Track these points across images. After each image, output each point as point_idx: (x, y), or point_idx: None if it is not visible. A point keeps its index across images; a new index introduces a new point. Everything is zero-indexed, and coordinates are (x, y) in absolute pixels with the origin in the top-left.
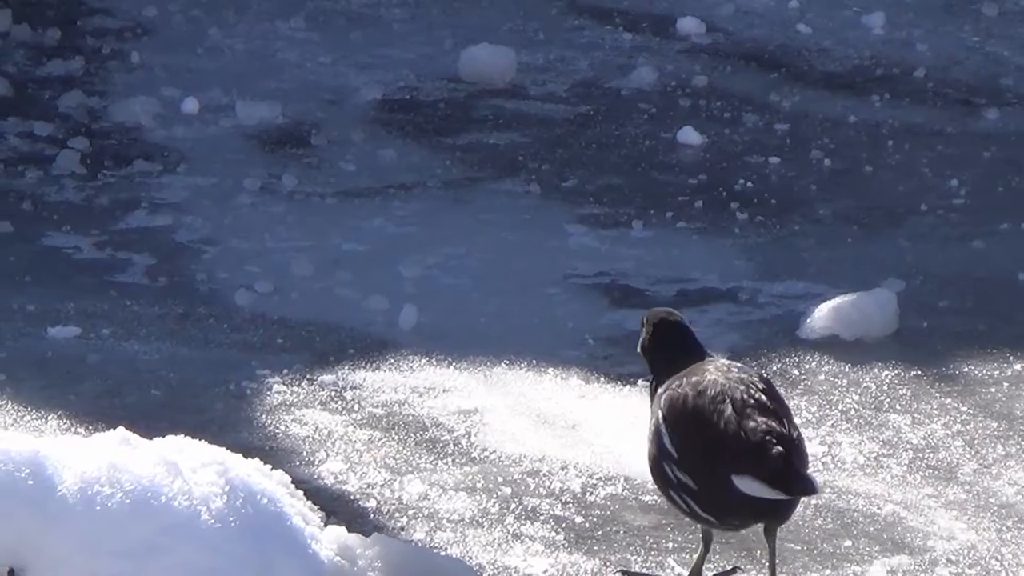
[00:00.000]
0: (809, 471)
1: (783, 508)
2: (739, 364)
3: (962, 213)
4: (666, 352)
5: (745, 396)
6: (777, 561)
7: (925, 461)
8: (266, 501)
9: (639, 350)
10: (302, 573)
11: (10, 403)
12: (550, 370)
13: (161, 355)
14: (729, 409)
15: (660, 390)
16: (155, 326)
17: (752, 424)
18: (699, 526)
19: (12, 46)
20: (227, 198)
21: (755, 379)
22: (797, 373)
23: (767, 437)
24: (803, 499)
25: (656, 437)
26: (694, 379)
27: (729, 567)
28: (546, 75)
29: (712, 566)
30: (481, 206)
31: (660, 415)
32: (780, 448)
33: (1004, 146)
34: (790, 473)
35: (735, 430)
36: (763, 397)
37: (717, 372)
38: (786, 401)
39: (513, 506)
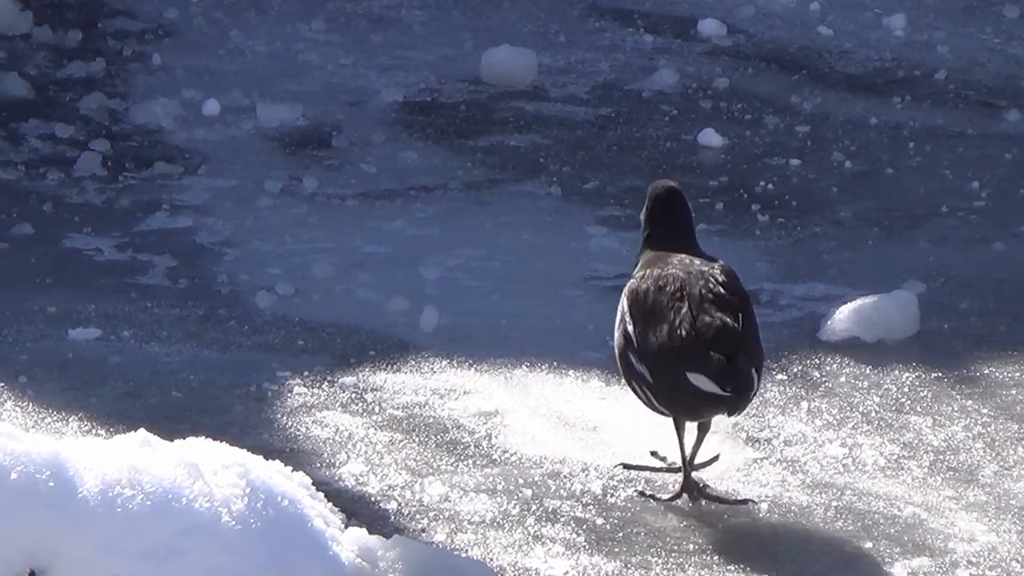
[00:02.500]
0: (755, 369)
1: (730, 403)
2: (706, 258)
3: (983, 215)
4: (660, 223)
5: (704, 291)
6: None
7: (946, 463)
8: (287, 503)
9: (641, 218)
10: (323, 575)
11: (31, 405)
12: (570, 372)
13: (182, 357)
14: (685, 307)
15: (632, 276)
16: (176, 328)
17: (707, 319)
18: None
19: (33, 48)
20: (248, 200)
21: (716, 271)
22: (818, 375)
23: (717, 337)
24: (817, 497)
25: (622, 325)
26: (656, 272)
27: (709, 458)
28: (567, 77)
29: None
30: (502, 208)
31: (625, 304)
32: (729, 347)
33: None
34: (731, 370)
35: (688, 329)
36: (721, 290)
37: (680, 266)
38: (746, 291)
39: (534, 508)
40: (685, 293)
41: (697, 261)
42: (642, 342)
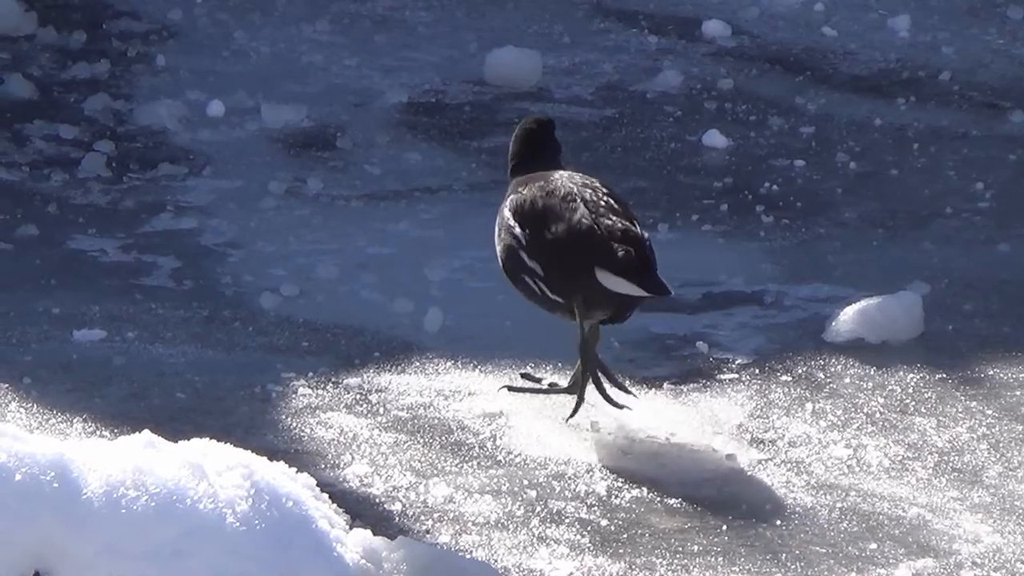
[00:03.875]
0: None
1: (631, 304)
2: (582, 173)
3: (987, 216)
4: (527, 152)
5: (594, 197)
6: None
7: (950, 464)
8: (291, 504)
9: (509, 148)
10: None
11: (35, 406)
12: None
13: (186, 358)
14: (582, 207)
15: (506, 197)
16: (180, 329)
17: (608, 223)
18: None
19: (38, 49)
20: (252, 201)
21: (599, 184)
22: (822, 376)
23: (623, 235)
24: (822, 499)
25: (508, 230)
26: (539, 183)
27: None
28: (571, 78)
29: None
30: None
31: (508, 214)
32: (637, 247)
33: None
34: (648, 271)
35: (590, 226)
36: (610, 199)
37: (562, 178)
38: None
39: (538, 509)
40: (577, 197)
41: (578, 176)
42: (532, 241)
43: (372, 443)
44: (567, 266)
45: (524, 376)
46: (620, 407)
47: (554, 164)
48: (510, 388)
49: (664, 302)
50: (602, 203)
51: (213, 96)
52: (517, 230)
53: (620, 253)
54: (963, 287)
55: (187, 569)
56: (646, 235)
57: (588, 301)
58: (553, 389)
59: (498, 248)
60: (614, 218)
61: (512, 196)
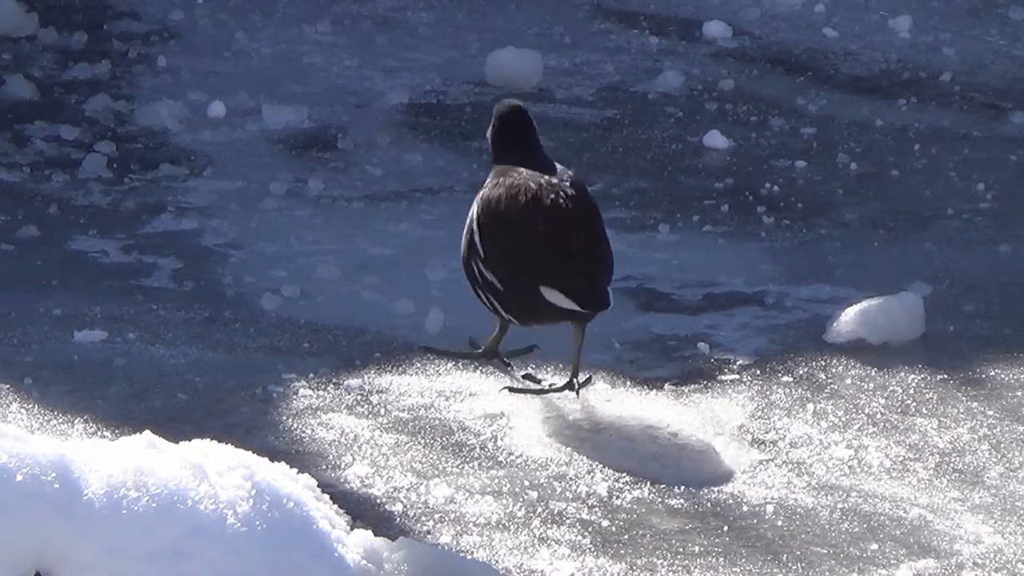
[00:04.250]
0: (609, 285)
1: (583, 316)
2: (555, 170)
3: (988, 217)
4: (507, 141)
5: (553, 204)
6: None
7: (951, 465)
8: (292, 505)
9: (487, 137)
10: None
11: (36, 407)
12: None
13: (187, 359)
14: (541, 222)
15: (483, 187)
16: (181, 330)
17: (562, 238)
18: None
19: (39, 50)
20: (253, 202)
21: (566, 182)
22: (823, 377)
23: (572, 253)
24: (823, 499)
25: (469, 234)
26: (509, 182)
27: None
28: (572, 79)
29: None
30: None
31: (475, 214)
32: (584, 267)
33: None
34: (590, 290)
35: (543, 243)
36: (571, 205)
37: (531, 177)
38: (595, 202)
39: (539, 510)
40: (538, 204)
41: (547, 174)
42: (490, 253)
43: (373, 444)
44: (519, 286)
45: (525, 377)
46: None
47: (532, 153)
48: (511, 389)
49: (664, 302)
50: (562, 208)
51: (214, 97)
52: (476, 238)
53: (567, 272)
54: (964, 288)
55: (188, 570)
56: (602, 245)
57: (537, 317)
58: (552, 388)
59: (462, 244)
60: (570, 232)
61: (484, 190)
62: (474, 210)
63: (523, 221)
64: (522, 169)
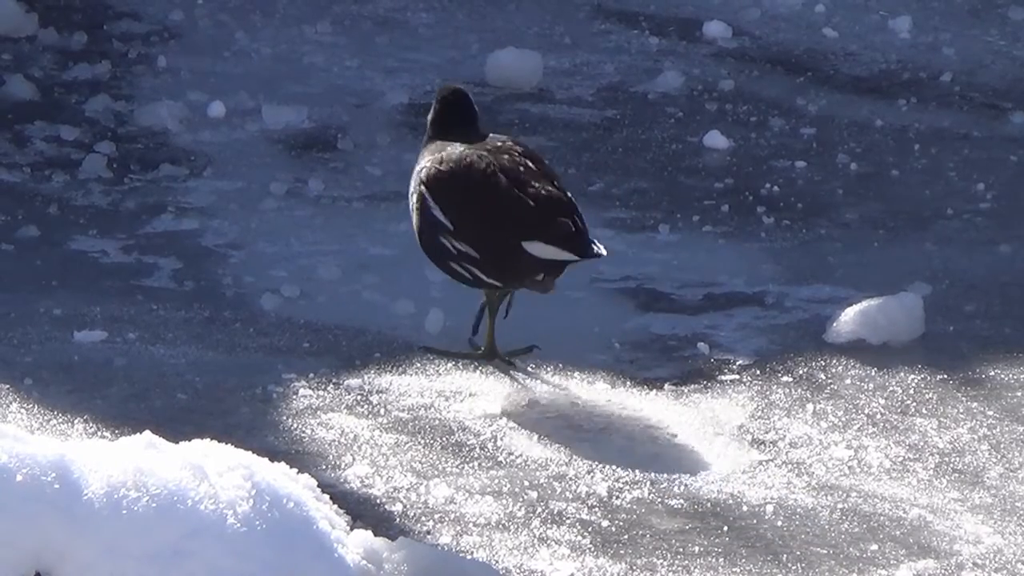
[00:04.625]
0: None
1: (564, 268)
2: (494, 135)
3: (988, 217)
4: (447, 120)
5: (511, 163)
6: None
7: (951, 465)
8: (292, 505)
9: (427, 121)
10: None
11: (36, 407)
12: (576, 374)
13: (187, 359)
14: (503, 179)
15: (419, 165)
16: (181, 330)
17: (532, 190)
18: (483, 297)
19: (39, 50)
20: (253, 202)
21: (511, 144)
22: (823, 377)
23: (550, 201)
24: (823, 499)
25: (423, 210)
26: (448, 152)
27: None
28: (572, 79)
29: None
30: None
31: (422, 190)
32: (566, 213)
33: None
34: (580, 236)
35: (516, 197)
36: (528, 161)
37: (475, 146)
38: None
39: (539, 510)
40: (495, 167)
41: (488, 141)
42: (459, 222)
43: (373, 444)
44: (498, 246)
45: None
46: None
47: (471, 130)
48: (427, 348)
49: (664, 302)
50: (520, 168)
51: (214, 97)
52: (437, 213)
53: (550, 222)
54: (964, 288)
55: (188, 570)
56: (569, 195)
57: (520, 276)
58: (474, 355)
59: (414, 222)
60: (536, 184)
61: (423, 169)
62: (420, 189)
63: (485, 182)
64: (456, 143)
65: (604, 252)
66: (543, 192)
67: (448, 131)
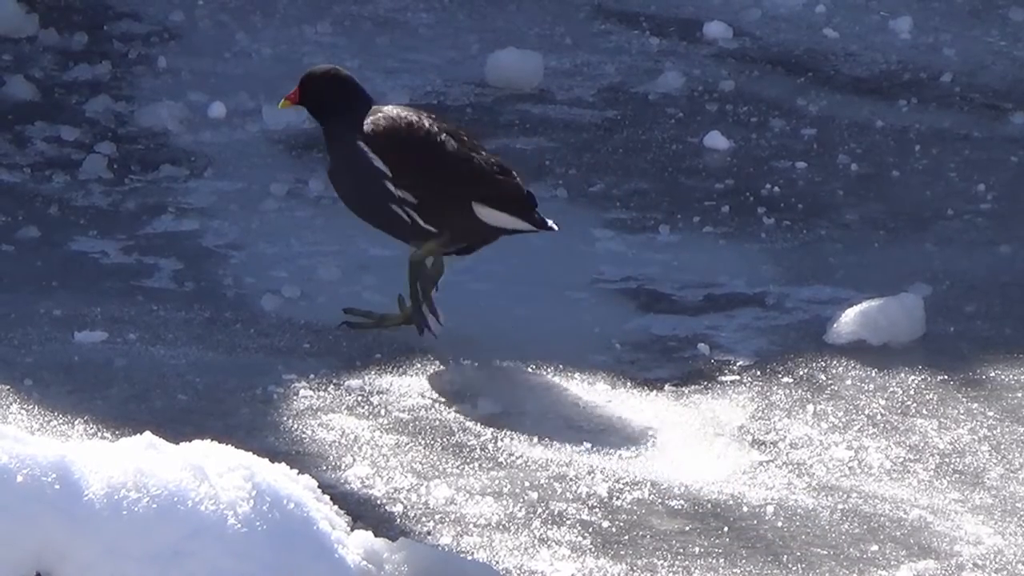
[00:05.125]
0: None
1: (497, 236)
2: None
3: (989, 218)
4: (334, 102)
5: (451, 128)
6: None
7: (952, 466)
8: (292, 506)
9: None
10: None
11: (37, 408)
12: (576, 375)
13: (188, 360)
14: (451, 140)
15: (350, 132)
16: (182, 331)
17: (482, 155)
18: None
19: (39, 51)
20: (254, 203)
21: (436, 115)
22: (824, 378)
23: (503, 171)
24: (823, 500)
25: (362, 163)
26: (383, 113)
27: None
28: (573, 80)
29: None
30: None
31: (362, 144)
32: (518, 184)
33: None
34: (534, 207)
35: (468, 157)
36: (459, 131)
37: (405, 110)
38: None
39: (540, 511)
40: (436, 126)
41: (411, 109)
42: (399, 169)
43: (373, 445)
44: (444, 196)
45: (347, 311)
46: (425, 331)
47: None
48: (350, 324)
49: (665, 303)
50: (463, 135)
51: (214, 97)
52: (378, 163)
53: (505, 188)
54: (965, 289)
55: (188, 570)
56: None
57: (458, 232)
58: (390, 324)
59: (346, 186)
60: (484, 152)
61: (368, 128)
62: (359, 144)
63: (431, 139)
64: (388, 108)
65: (556, 227)
66: (493, 160)
67: (350, 112)
